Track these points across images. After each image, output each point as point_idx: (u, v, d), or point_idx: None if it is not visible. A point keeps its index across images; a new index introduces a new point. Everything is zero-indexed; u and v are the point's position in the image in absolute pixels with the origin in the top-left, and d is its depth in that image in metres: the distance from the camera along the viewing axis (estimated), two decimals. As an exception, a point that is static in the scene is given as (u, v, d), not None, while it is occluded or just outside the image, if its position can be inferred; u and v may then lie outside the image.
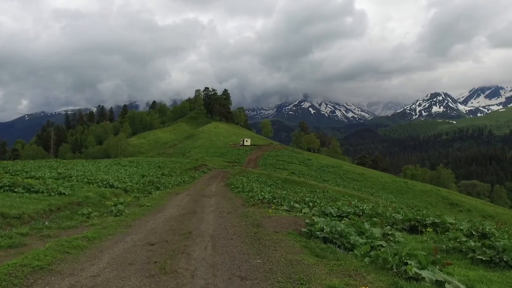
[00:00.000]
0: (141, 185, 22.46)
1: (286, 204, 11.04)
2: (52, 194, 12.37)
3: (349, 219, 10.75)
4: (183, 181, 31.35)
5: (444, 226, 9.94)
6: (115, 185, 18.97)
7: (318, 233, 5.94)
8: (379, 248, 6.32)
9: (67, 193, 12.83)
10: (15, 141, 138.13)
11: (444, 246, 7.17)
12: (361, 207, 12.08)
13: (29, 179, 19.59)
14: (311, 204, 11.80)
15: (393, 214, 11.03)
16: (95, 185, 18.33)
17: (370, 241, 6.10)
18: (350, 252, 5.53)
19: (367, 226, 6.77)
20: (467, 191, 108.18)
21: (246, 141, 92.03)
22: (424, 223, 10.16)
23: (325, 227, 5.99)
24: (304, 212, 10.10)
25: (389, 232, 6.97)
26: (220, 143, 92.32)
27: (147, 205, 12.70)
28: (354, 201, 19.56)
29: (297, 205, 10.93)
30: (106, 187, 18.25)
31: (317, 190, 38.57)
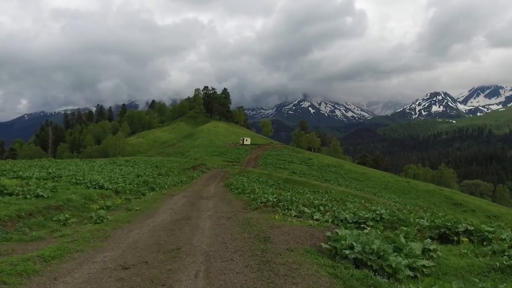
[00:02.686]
0: (135, 185, 21.00)
1: (294, 208, 9.58)
2: (28, 196, 10.91)
3: (367, 226, 9.34)
4: (181, 181, 29.91)
5: (480, 234, 8.49)
6: (105, 186, 17.50)
7: (346, 252, 4.48)
8: (422, 268, 4.90)
9: (46, 196, 11.37)
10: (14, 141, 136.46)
11: (497, 264, 5.73)
12: (378, 212, 10.64)
13: (13, 180, 18.20)
14: (322, 208, 10.34)
15: (417, 220, 9.58)
16: (82, 186, 16.87)
17: (412, 261, 4.67)
18: (394, 281, 4.11)
19: (403, 239, 5.34)
20: (469, 190, 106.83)
21: (246, 140, 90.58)
22: (455, 230, 8.71)
23: (354, 243, 4.55)
24: (316, 219, 8.65)
25: (431, 247, 5.54)
26: (219, 142, 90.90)
27: (136, 209, 11.23)
28: (362, 202, 18.18)
29: (306, 210, 9.47)
30: (95, 188, 16.79)
31: (320, 191, 37.19)
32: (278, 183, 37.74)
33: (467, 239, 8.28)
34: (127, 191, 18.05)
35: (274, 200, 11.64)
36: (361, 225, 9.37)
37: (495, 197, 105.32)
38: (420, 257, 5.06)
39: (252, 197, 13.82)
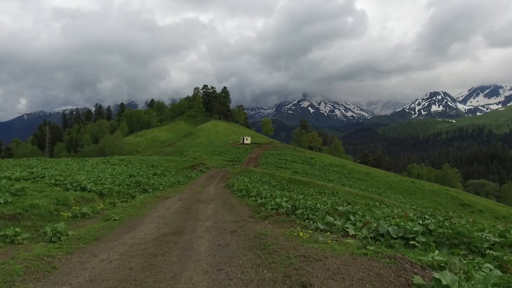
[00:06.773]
0: (125, 187, 18.70)
1: (320, 219, 7.28)
2: (-22, 203, 8.64)
3: (417, 242, 7.08)
4: (178, 181, 27.69)
5: None
6: (88, 187, 15.17)
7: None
8: None
9: (2, 201, 9.09)
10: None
11: None
12: (421, 222, 8.36)
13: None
14: (352, 217, 8.02)
15: (479, 234, 7.32)
16: (61, 187, 14.56)
17: None
18: None
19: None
20: (474, 190, 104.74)
21: (246, 139, 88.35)
22: (540, 250, 6.48)
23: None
24: (353, 235, 6.38)
25: None
26: (219, 142, 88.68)
27: (115, 219, 8.90)
28: (389, 209, 15.89)
29: (337, 222, 7.20)
30: (75, 190, 14.48)
31: (326, 191, 35.07)
32: (282, 183, 35.59)
33: None
34: (114, 194, 15.75)
35: (289, 206, 9.35)
36: (410, 242, 7.13)
37: (499, 197, 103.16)
38: None
39: (259, 201, 11.53)
